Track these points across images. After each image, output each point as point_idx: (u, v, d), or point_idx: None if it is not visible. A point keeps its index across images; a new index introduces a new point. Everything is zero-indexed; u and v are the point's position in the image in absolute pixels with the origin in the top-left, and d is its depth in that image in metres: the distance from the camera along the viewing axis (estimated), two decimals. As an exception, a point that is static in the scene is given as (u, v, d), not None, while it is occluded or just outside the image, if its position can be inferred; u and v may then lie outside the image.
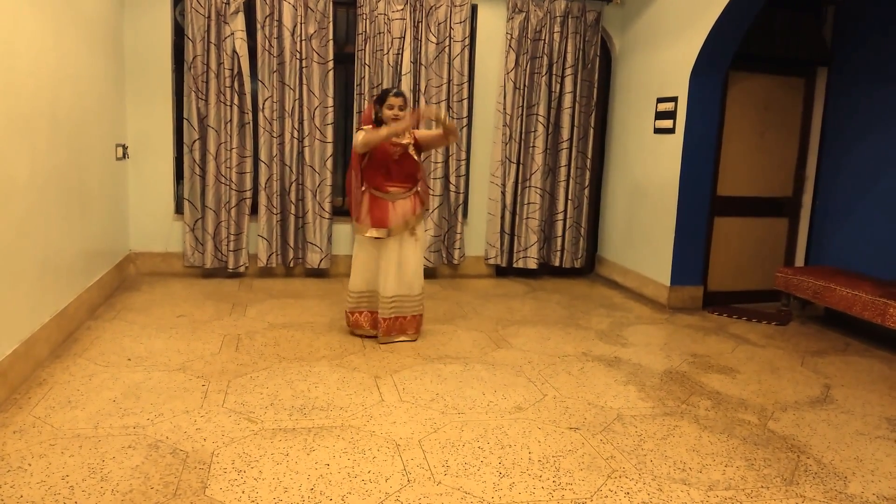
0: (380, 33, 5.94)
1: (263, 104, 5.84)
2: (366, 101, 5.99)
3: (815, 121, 5.97)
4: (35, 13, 3.60)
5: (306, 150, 5.97)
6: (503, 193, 6.42)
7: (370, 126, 4.23)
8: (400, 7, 5.93)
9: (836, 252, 5.78)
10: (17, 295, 3.41)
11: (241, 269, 6.00)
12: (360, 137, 4.15)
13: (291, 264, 6.14)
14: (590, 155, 6.56)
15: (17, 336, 3.40)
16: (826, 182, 5.92)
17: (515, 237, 6.52)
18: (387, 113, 4.16)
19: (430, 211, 4.62)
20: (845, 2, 5.74)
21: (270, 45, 5.78)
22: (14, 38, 3.33)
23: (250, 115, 5.83)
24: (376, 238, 4.24)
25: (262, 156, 5.89)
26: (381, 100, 4.21)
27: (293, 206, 6.01)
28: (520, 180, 6.44)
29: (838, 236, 5.78)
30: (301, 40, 5.81)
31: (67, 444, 2.81)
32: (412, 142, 4.29)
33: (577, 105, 6.40)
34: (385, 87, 5.97)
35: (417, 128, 4.40)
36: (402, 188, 4.26)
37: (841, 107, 5.78)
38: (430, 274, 6.20)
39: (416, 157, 4.31)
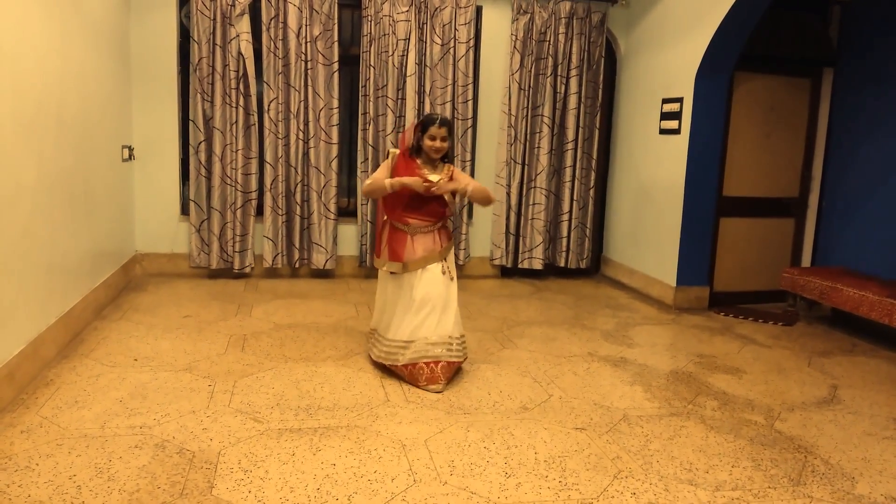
0: (385, 35, 5.95)
1: (269, 106, 5.85)
2: (370, 103, 6.00)
3: (821, 121, 5.95)
4: (42, 16, 3.61)
5: (311, 151, 5.98)
6: (508, 194, 6.42)
7: (399, 154, 3.82)
8: (405, 9, 5.94)
9: (843, 252, 5.76)
10: (24, 296, 3.43)
11: (247, 270, 6.01)
12: (377, 173, 3.76)
13: (297, 265, 6.15)
14: (595, 156, 6.56)
15: (25, 336, 3.42)
16: (832, 182, 5.90)
17: (521, 238, 6.52)
18: (427, 144, 3.71)
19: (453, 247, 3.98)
20: (851, 2, 5.72)
21: (276, 46, 5.79)
22: (21, 41, 3.34)
23: (256, 116, 5.84)
24: (391, 273, 3.82)
25: (268, 157, 5.91)
26: (423, 127, 3.74)
27: (298, 207, 6.02)
28: (525, 181, 6.43)
29: (845, 236, 5.76)
30: (306, 42, 5.82)
31: (74, 444, 2.82)
32: (447, 180, 3.75)
33: (582, 106, 6.40)
34: (390, 88, 5.98)
35: (450, 159, 3.92)
36: (424, 221, 3.77)
37: (847, 107, 5.76)
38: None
39: (445, 196, 3.80)
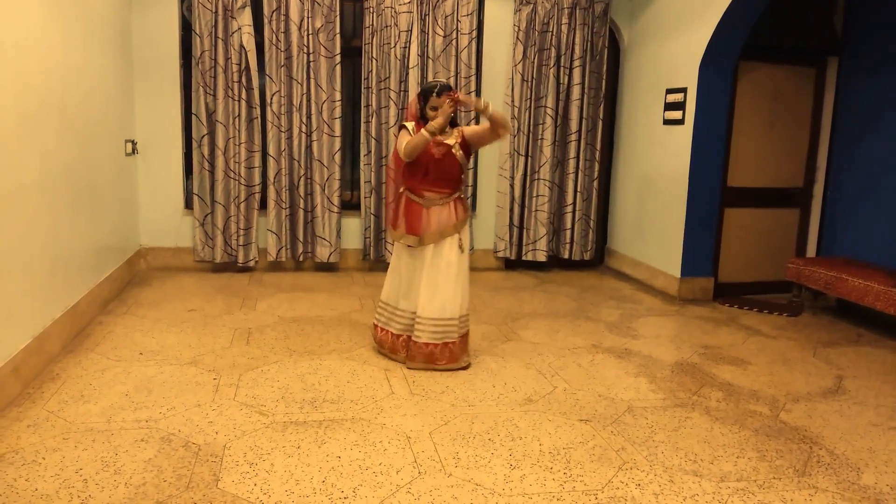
0: (387, 27, 5.93)
1: (271, 99, 5.84)
2: (373, 95, 5.99)
3: (825, 111, 5.91)
4: (44, 11, 3.61)
5: (314, 144, 5.97)
6: (512, 186, 6.41)
7: (414, 124, 3.78)
8: (407, 0, 5.91)
9: (848, 242, 5.74)
10: (29, 290, 3.44)
11: (251, 264, 6.02)
12: (404, 142, 3.68)
13: (301, 258, 6.15)
14: (598, 147, 6.54)
15: (30, 331, 3.43)
16: (837, 172, 5.87)
17: (524, 230, 6.51)
18: (431, 114, 3.70)
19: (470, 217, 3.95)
20: (856, -10, 5.69)
21: (278, 39, 5.78)
22: (24, 36, 3.34)
23: (258, 109, 5.83)
24: (408, 246, 3.81)
25: (271, 150, 5.90)
26: (424, 96, 3.76)
27: (302, 201, 6.02)
28: (528, 173, 6.42)
29: (850, 227, 5.73)
30: (308, 34, 5.80)
31: (81, 438, 2.83)
32: (459, 140, 3.79)
33: (585, 97, 6.38)
34: (393, 80, 5.97)
35: (458, 123, 3.98)
36: (439, 193, 3.75)
37: (852, 96, 5.73)
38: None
39: (459, 159, 3.78)
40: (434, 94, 3.69)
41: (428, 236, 3.73)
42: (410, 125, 3.78)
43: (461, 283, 3.80)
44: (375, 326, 4.05)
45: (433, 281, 3.75)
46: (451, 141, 3.76)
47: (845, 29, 5.79)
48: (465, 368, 3.84)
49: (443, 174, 3.75)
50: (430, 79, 6.05)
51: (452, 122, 3.84)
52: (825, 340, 4.74)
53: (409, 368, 3.80)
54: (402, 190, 3.87)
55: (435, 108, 3.68)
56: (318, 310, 4.96)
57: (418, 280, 3.81)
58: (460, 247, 3.78)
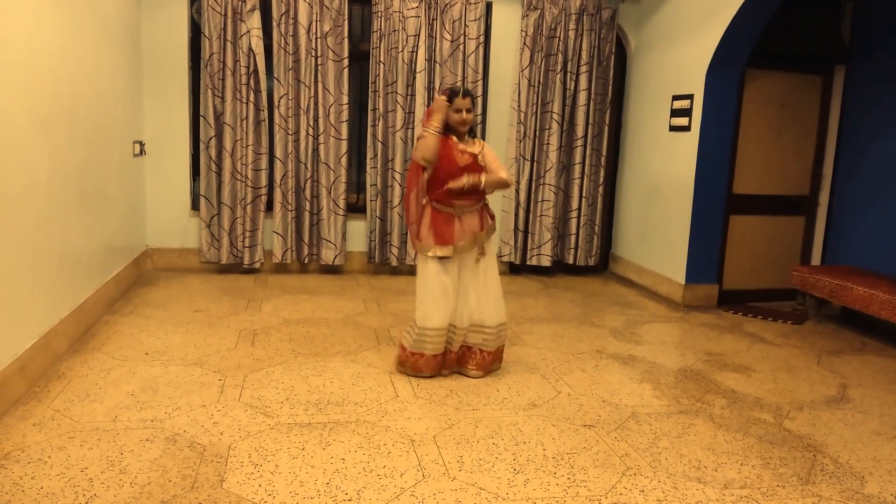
0: (395, 31, 5.95)
1: (279, 101, 5.87)
2: (380, 99, 6.01)
3: (832, 119, 5.91)
4: (55, 13, 3.64)
5: (321, 147, 5.99)
6: (517, 191, 6.42)
7: (436, 127, 3.61)
8: (415, 5, 5.93)
9: (853, 251, 5.73)
10: (37, 290, 3.46)
11: (257, 265, 6.04)
12: (419, 146, 3.60)
13: (306, 260, 6.17)
14: (604, 152, 6.54)
15: (37, 330, 3.45)
16: (843, 180, 5.87)
17: (529, 234, 6.52)
18: (454, 117, 3.60)
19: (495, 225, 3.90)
20: (864, -2, 5.69)
21: (286, 42, 5.80)
22: (35, 38, 3.36)
23: (266, 112, 5.86)
24: (441, 258, 3.63)
25: (278, 153, 5.92)
26: (449, 99, 3.61)
27: (308, 203, 6.04)
28: (534, 178, 6.43)
29: (855, 235, 5.73)
30: (316, 38, 5.83)
31: (86, 437, 2.85)
32: (482, 150, 3.70)
33: (591, 102, 6.38)
34: (400, 84, 5.99)
35: (475, 132, 3.87)
36: (469, 200, 3.65)
37: (859, 104, 5.72)
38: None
39: (483, 165, 3.67)
40: (459, 97, 3.59)
41: (462, 245, 3.65)
42: (430, 131, 3.61)
43: (499, 289, 3.84)
44: (420, 354, 3.72)
45: (488, 287, 3.74)
46: (475, 150, 3.67)
47: (853, 37, 5.80)
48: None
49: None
50: (437, 83, 6.07)
51: (471, 132, 3.74)
52: (829, 348, 4.74)
53: (475, 378, 3.78)
54: (424, 202, 3.70)
55: (459, 110, 3.59)
56: (323, 312, 4.97)
57: (466, 291, 3.72)
58: (482, 252, 3.72)
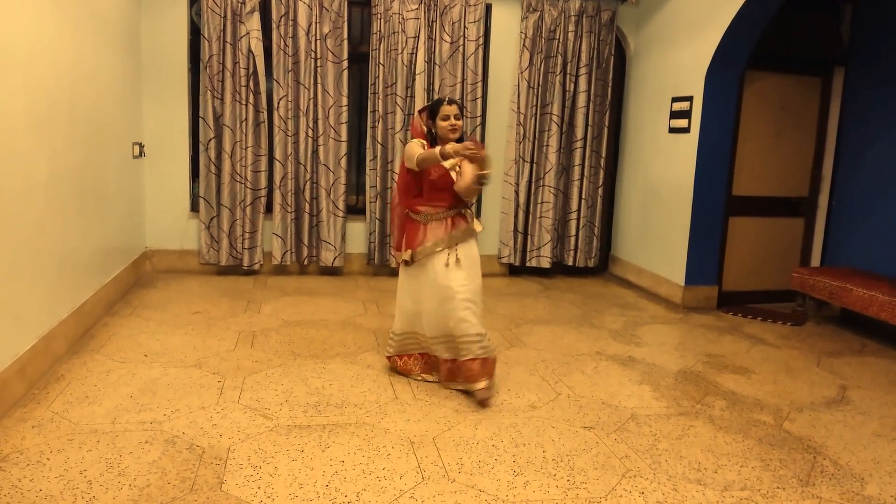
0: (394, 33, 5.96)
1: (278, 103, 5.87)
2: (379, 100, 6.01)
3: (831, 120, 5.92)
4: (54, 14, 3.63)
5: (321, 148, 5.99)
6: (517, 192, 6.42)
7: (423, 141, 3.59)
8: (414, 6, 5.94)
9: (853, 252, 5.73)
10: (36, 291, 3.45)
11: (256, 267, 6.04)
12: (415, 153, 3.48)
13: (305, 262, 6.17)
14: (604, 154, 6.55)
15: (36, 332, 3.44)
16: (842, 182, 5.87)
17: (529, 236, 6.52)
18: (442, 125, 3.53)
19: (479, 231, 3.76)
20: (862, 1, 5.69)
21: (285, 44, 5.80)
22: (34, 39, 3.36)
23: (265, 113, 5.86)
24: (405, 263, 3.64)
25: (277, 154, 5.92)
26: (433, 112, 3.58)
27: (307, 205, 6.04)
28: (533, 179, 6.43)
29: (855, 236, 5.73)
30: (316, 40, 5.83)
31: (85, 439, 2.84)
32: (458, 162, 3.53)
33: (591, 104, 6.39)
34: (399, 86, 5.99)
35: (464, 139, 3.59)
36: (435, 208, 3.59)
37: (858, 106, 5.73)
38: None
39: (453, 176, 3.57)
40: (444, 103, 3.54)
41: (421, 251, 3.56)
42: (418, 141, 3.59)
43: (465, 297, 3.57)
44: (399, 357, 3.81)
45: (454, 296, 3.53)
46: (453, 162, 3.53)
47: (852, 39, 5.80)
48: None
49: (437, 190, 3.58)
50: (436, 85, 6.07)
51: (460, 139, 3.61)
52: (829, 350, 4.74)
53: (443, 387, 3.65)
54: (406, 211, 3.70)
55: (446, 118, 3.52)
56: (322, 314, 4.97)
57: (429, 299, 3.60)
58: (456, 259, 3.55)
